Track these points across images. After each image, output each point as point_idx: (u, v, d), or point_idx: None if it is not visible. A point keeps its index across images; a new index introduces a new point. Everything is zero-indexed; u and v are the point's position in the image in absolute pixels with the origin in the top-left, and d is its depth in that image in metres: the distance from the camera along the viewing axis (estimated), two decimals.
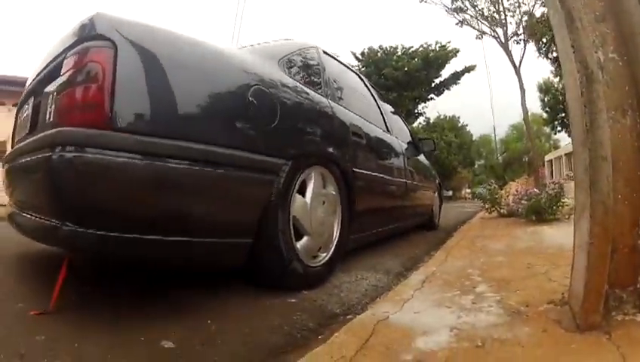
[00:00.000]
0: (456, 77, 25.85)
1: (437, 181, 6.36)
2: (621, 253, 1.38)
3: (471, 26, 12.95)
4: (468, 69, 25.58)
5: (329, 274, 2.43)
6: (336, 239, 2.51)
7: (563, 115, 22.28)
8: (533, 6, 11.75)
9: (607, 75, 1.33)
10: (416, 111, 27.47)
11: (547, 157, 27.79)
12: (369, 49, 26.11)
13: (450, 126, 34.21)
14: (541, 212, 5.16)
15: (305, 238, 2.23)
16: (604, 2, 1.36)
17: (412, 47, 25.50)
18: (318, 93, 2.67)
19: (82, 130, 1.44)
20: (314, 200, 2.30)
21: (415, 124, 28.65)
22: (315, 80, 2.81)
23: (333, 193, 2.51)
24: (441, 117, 34.61)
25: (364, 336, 1.44)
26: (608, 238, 1.34)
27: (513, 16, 12.00)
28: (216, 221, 1.78)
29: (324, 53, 3.24)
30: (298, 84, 2.46)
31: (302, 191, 2.26)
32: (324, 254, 2.40)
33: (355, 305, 2.03)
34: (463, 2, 12.47)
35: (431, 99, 27.19)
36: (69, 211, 1.47)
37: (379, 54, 25.81)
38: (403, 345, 1.38)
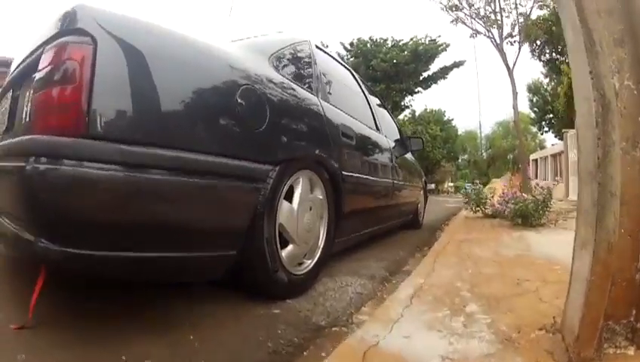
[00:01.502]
0: (444, 71, 25.79)
1: (423, 179, 6.32)
2: (619, 286, 1.35)
3: (465, 25, 12.82)
4: (457, 64, 25.54)
5: (313, 281, 2.36)
6: (322, 245, 2.44)
7: (551, 115, 22.43)
8: (531, 8, 11.69)
9: (622, 104, 1.26)
10: (402, 103, 27.42)
11: (532, 157, 28.02)
12: (358, 40, 25.90)
13: (436, 119, 34.27)
14: (527, 216, 5.13)
15: (290, 246, 2.14)
16: (623, 25, 1.29)
17: (402, 39, 25.39)
18: (309, 92, 2.56)
19: (56, 138, 1.32)
20: (301, 206, 2.21)
21: (401, 117, 28.67)
22: (307, 77, 2.70)
23: (320, 197, 2.43)
24: (428, 110, 34.66)
25: None
26: (609, 276, 1.31)
27: (508, 17, 11.92)
28: (200, 235, 1.67)
29: (316, 47, 3.12)
30: (289, 82, 2.34)
31: (288, 197, 2.17)
32: (309, 261, 2.33)
33: (341, 316, 1.98)
34: (460, 1, 12.35)
35: (418, 92, 27.11)
36: (43, 227, 1.36)
37: (368, 45, 25.63)
38: None
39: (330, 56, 3.48)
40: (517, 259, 3.15)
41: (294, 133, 2.20)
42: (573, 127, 14.74)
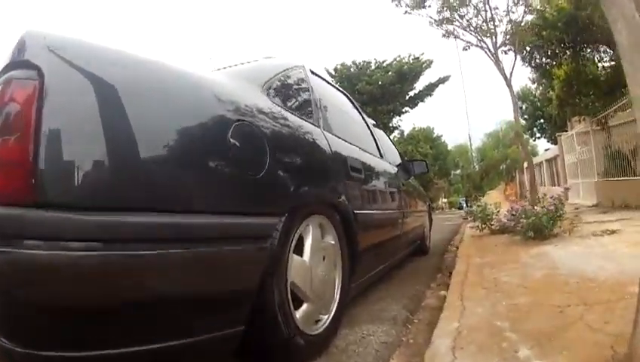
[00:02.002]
0: (430, 88, 25.72)
1: (427, 202, 6.06)
2: None
3: (458, 37, 12.61)
4: (442, 80, 25.49)
5: (333, 337, 2.06)
6: (338, 295, 2.13)
7: (542, 120, 22.47)
8: (524, 12, 11.51)
9: None
10: (391, 125, 27.27)
11: (526, 164, 27.96)
12: (342, 65, 25.84)
13: (425, 137, 34.27)
14: (541, 230, 4.85)
15: (305, 305, 1.83)
16: None
17: (385, 60, 25.37)
18: (311, 123, 2.26)
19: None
20: (313, 258, 1.91)
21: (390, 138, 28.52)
22: (306, 107, 2.39)
23: (333, 243, 2.13)
24: (416, 129, 34.64)
25: None
26: None
27: (499, 26, 11.76)
28: (198, 316, 1.34)
29: (312, 73, 2.80)
30: (288, 114, 2.03)
31: (297, 248, 1.85)
32: (326, 316, 2.02)
33: None
34: (451, 14, 12.13)
35: (406, 112, 27.02)
36: (1, 325, 1.07)
37: (352, 69, 25.58)
38: None
39: (325, 81, 3.20)
40: (547, 281, 2.87)
41: (300, 174, 1.87)
42: (566, 130, 14.67)
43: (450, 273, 3.87)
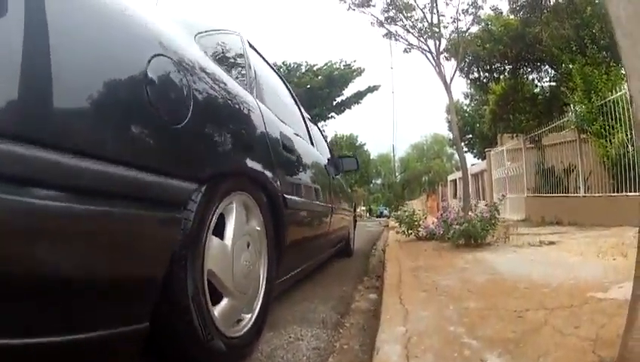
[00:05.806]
0: (358, 96, 25.77)
1: (353, 203, 5.86)
2: None
3: (400, 37, 12.39)
4: (371, 89, 25.65)
5: (257, 340, 1.73)
6: (263, 292, 1.81)
7: (470, 135, 23.22)
8: (472, 20, 11.52)
9: None
10: None
11: (451, 177, 28.85)
12: (272, 64, 25.39)
13: (348, 144, 34.63)
14: (475, 236, 4.73)
15: (225, 301, 1.49)
16: None
17: (316, 64, 25.18)
18: (244, 88, 1.96)
19: None
20: (236, 243, 1.56)
21: None
22: (239, 70, 2.12)
23: (258, 229, 1.80)
24: (339, 135, 34.83)
25: None
26: None
27: (445, 28, 11.71)
28: (86, 300, 0.96)
29: (250, 45, 2.55)
30: (220, 70, 1.70)
31: (219, 231, 1.50)
32: (249, 315, 1.69)
33: None
34: (396, 14, 11.90)
35: (331, 117, 26.97)
36: None
37: (282, 70, 25.24)
38: None
39: (263, 58, 2.90)
40: (494, 287, 2.68)
41: (227, 137, 1.53)
42: (495, 146, 15.15)
43: (378, 276, 3.67)
